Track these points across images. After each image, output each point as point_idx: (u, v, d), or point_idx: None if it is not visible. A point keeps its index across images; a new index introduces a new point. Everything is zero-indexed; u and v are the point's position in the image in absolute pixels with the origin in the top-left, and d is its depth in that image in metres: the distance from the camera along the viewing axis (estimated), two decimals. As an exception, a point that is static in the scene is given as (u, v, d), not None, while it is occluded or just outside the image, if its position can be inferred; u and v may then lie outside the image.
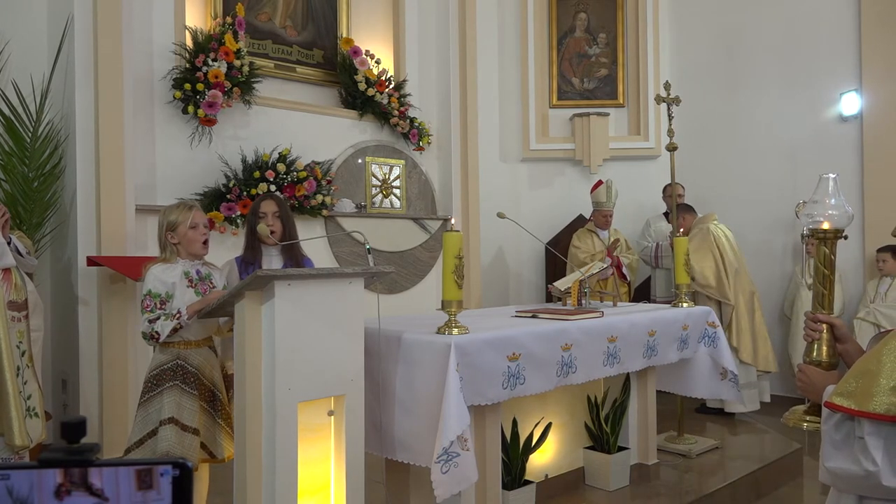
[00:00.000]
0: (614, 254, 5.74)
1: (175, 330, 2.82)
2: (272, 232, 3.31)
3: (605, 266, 4.43)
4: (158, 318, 2.82)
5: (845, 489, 1.46)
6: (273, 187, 4.96)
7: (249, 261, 3.33)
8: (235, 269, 3.33)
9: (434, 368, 2.69)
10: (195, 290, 2.96)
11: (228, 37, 4.89)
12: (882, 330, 4.21)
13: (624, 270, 5.79)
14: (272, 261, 3.36)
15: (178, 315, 2.82)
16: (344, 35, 5.86)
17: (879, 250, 5.54)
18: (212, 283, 3.04)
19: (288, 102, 5.44)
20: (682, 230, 5.67)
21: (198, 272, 3.00)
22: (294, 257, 3.39)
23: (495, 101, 6.96)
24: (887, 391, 1.36)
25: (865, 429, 1.37)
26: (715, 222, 5.77)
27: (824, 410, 1.48)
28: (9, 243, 3.47)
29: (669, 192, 5.73)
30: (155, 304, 2.85)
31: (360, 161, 5.79)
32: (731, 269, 5.57)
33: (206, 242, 3.03)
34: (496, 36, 6.98)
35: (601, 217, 5.88)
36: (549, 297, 5.65)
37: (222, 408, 2.99)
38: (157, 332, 2.81)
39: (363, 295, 2.70)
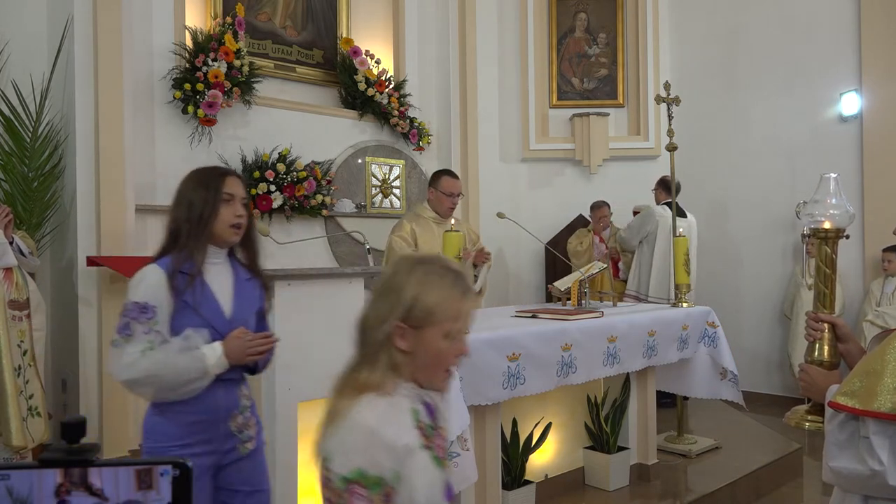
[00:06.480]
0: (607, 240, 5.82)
1: None
2: (239, 226, 2.09)
3: (605, 266, 4.44)
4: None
5: (850, 489, 1.46)
6: (273, 187, 4.96)
7: (182, 266, 1.99)
8: (164, 282, 1.97)
9: (434, 368, 2.68)
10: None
11: (228, 37, 4.89)
12: (886, 329, 4.20)
13: (621, 272, 5.78)
14: (217, 268, 2.08)
15: None
16: (344, 35, 5.85)
17: (885, 250, 5.47)
18: None
19: (288, 102, 5.44)
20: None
21: None
22: (251, 263, 2.17)
23: (495, 101, 6.96)
24: (892, 390, 1.36)
25: (871, 428, 1.37)
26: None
27: (828, 410, 1.48)
28: (11, 243, 3.48)
29: (654, 186, 5.80)
30: None
31: (359, 161, 5.79)
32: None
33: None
34: (496, 36, 6.97)
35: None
36: (549, 297, 5.65)
37: None
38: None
39: (363, 295, 2.69)
